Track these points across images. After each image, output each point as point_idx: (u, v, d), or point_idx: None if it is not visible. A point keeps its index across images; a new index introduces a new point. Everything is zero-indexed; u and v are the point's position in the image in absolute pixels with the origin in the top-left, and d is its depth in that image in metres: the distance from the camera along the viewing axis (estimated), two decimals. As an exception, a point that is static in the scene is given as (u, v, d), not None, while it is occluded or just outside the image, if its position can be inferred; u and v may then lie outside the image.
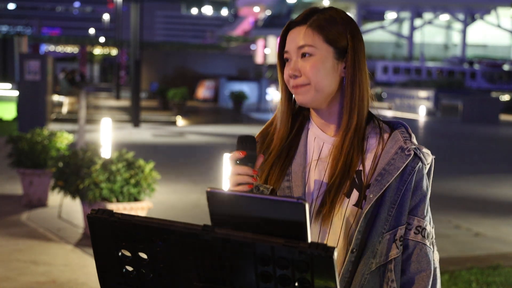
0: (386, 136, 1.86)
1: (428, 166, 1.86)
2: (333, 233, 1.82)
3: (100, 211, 1.42)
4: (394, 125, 1.89)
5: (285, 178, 1.86)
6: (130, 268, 1.44)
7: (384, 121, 1.90)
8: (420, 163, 1.82)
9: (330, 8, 1.87)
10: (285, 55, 1.86)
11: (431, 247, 1.84)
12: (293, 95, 1.89)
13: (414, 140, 1.85)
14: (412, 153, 1.81)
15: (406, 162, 1.80)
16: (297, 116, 1.93)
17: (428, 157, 1.85)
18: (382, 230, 1.79)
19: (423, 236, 1.82)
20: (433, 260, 1.84)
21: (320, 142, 1.88)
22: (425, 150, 1.84)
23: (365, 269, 1.79)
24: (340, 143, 1.84)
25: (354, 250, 1.78)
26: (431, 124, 27.71)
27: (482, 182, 12.17)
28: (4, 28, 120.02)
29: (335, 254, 1.28)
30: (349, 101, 1.84)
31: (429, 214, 1.86)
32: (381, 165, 1.81)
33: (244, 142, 1.76)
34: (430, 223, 1.85)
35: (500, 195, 10.88)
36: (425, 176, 1.85)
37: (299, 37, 1.83)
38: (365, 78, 1.85)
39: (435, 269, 1.84)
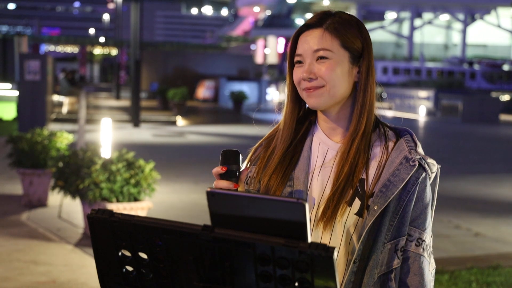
0: (391, 144, 1.84)
1: (433, 176, 1.84)
2: (334, 240, 1.81)
3: (100, 211, 1.42)
4: (400, 132, 1.86)
5: (287, 183, 1.84)
6: (130, 268, 1.44)
7: (390, 127, 1.88)
8: (424, 174, 1.80)
9: (342, 12, 1.87)
10: (297, 58, 1.84)
11: (429, 259, 1.84)
12: (302, 100, 1.88)
13: (420, 149, 1.83)
14: (417, 163, 1.79)
15: (411, 173, 1.78)
16: (303, 121, 1.91)
17: (433, 167, 1.83)
18: (384, 240, 1.78)
19: (423, 249, 1.82)
20: (430, 272, 1.85)
21: (324, 147, 1.87)
22: (430, 160, 1.82)
23: (370, 280, 1.78)
24: (347, 147, 1.83)
25: (357, 260, 1.77)
26: (431, 124, 27.71)
27: (482, 182, 12.17)
28: (4, 28, 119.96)
29: (335, 254, 1.28)
30: (360, 106, 1.83)
31: (430, 225, 1.85)
32: (385, 176, 1.79)
33: (226, 157, 1.78)
34: (429, 234, 1.84)
35: (500, 195, 10.87)
36: (428, 187, 1.83)
37: (314, 40, 1.81)
38: (375, 84, 1.85)
39: (431, 279, 1.85)
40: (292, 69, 1.87)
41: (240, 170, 1.79)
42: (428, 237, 1.83)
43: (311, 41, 1.81)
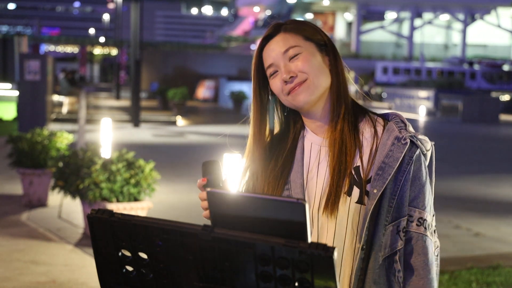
0: (380, 128, 1.87)
1: (428, 154, 1.86)
2: (339, 233, 1.83)
3: (100, 211, 1.42)
4: (387, 116, 1.90)
5: (285, 187, 1.88)
6: (130, 268, 1.44)
7: (377, 114, 1.92)
8: (418, 151, 1.82)
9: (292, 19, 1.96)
10: (271, 69, 1.88)
11: (432, 238, 1.85)
12: (268, 118, 1.94)
13: (410, 128, 1.86)
14: (408, 141, 1.81)
15: (404, 152, 1.80)
16: (286, 133, 1.95)
17: (427, 144, 1.85)
18: (385, 222, 1.80)
19: (425, 228, 1.82)
20: (434, 250, 1.85)
21: (316, 147, 1.90)
22: (421, 136, 1.84)
23: (375, 264, 1.80)
24: (333, 132, 1.86)
25: (364, 247, 1.79)
26: (431, 124, 27.71)
27: (482, 182, 12.17)
28: (4, 28, 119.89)
29: (335, 254, 1.28)
30: (336, 89, 1.88)
31: (430, 203, 1.86)
32: (380, 158, 1.81)
33: (205, 168, 1.79)
34: (430, 213, 1.85)
35: (500, 195, 10.87)
36: (424, 165, 1.84)
37: (279, 44, 1.87)
38: (344, 68, 1.91)
39: (435, 258, 1.86)
40: (259, 89, 1.91)
41: (223, 179, 1.78)
42: (429, 216, 1.84)
43: (276, 47, 1.87)
